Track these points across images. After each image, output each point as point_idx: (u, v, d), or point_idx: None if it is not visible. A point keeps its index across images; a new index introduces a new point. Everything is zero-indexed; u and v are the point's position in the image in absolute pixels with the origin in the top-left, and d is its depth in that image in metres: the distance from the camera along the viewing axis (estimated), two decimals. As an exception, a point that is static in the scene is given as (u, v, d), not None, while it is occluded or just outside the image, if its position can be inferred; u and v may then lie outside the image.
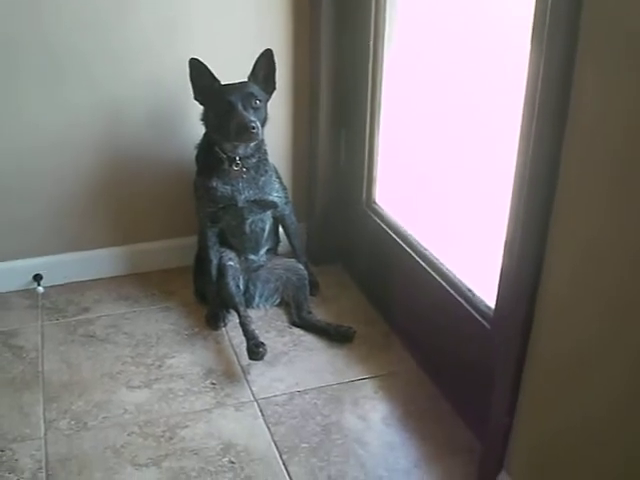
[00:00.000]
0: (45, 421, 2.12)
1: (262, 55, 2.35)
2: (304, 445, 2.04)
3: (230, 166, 2.41)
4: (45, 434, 2.07)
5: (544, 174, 1.51)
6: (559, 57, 1.41)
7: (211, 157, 2.43)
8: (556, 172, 1.48)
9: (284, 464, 1.98)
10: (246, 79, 2.36)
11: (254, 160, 2.43)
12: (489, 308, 1.96)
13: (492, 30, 1.98)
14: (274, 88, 2.41)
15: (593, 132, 1.39)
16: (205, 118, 2.42)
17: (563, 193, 1.49)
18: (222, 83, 2.34)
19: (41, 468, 1.95)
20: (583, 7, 1.34)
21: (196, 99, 2.37)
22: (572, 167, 1.45)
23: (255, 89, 2.34)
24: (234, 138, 2.31)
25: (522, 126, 1.63)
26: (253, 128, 2.25)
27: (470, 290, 2.08)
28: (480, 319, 1.99)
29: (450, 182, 2.28)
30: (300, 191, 2.89)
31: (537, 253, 1.57)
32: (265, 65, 2.37)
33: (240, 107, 2.28)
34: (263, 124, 2.35)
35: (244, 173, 2.42)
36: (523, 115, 1.62)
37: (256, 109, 2.32)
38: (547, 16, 1.44)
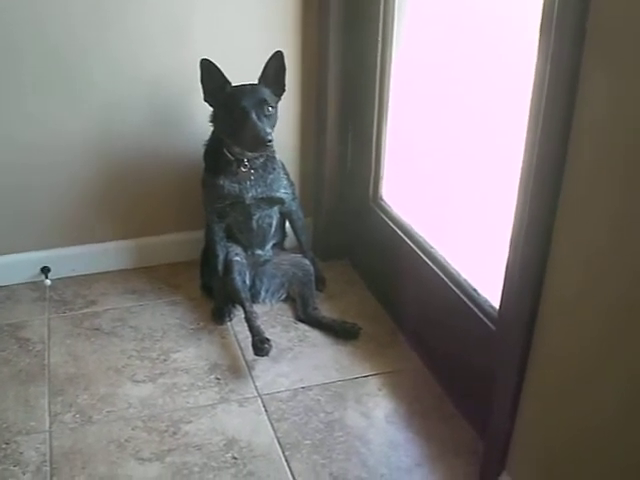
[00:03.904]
0: (50, 414, 2.13)
1: (272, 57, 2.32)
2: (307, 442, 2.04)
3: (238, 167, 2.40)
4: (50, 427, 2.09)
5: (550, 173, 1.50)
6: (566, 58, 1.40)
7: (219, 157, 2.42)
8: (561, 171, 1.48)
9: (286, 461, 1.98)
10: (255, 80, 2.33)
11: (262, 159, 2.42)
12: (493, 308, 1.96)
13: (500, 30, 1.97)
14: (284, 90, 2.39)
15: (598, 130, 1.38)
16: (215, 120, 2.40)
17: (568, 192, 1.48)
18: (233, 85, 2.32)
19: (45, 461, 1.96)
20: (590, 9, 1.33)
21: (206, 101, 2.34)
22: (578, 166, 1.45)
23: (267, 94, 2.31)
24: (248, 149, 2.31)
25: (529, 124, 1.62)
26: (269, 141, 2.23)
27: (475, 289, 2.08)
28: (484, 319, 1.98)
29: (457, 180, 2.27)
30: (307, 187, 2.89)
31: (542, 252, 1.57)
32: (275, 67, 2.33)
33: (254, 116, 2.25)
34: (273, 127, 2.32)
35: (252, 174, 2.42)
36: (530, 113, 1.61)
37: (269, 116, 2.29)
38: (554, 16, 1.43)
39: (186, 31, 2.53)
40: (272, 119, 2.32)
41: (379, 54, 2.45)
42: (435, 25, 2.29)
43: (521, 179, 1.69)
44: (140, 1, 2.44)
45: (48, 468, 1.95)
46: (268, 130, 2.25)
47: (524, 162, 1.66)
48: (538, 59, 1.54)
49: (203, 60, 2.27)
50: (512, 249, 1.77)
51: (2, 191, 2.60)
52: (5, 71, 2.42)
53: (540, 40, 1.53)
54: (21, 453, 2.00)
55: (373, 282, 2.75)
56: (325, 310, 2.59)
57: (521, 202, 1.70)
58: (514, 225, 1.75)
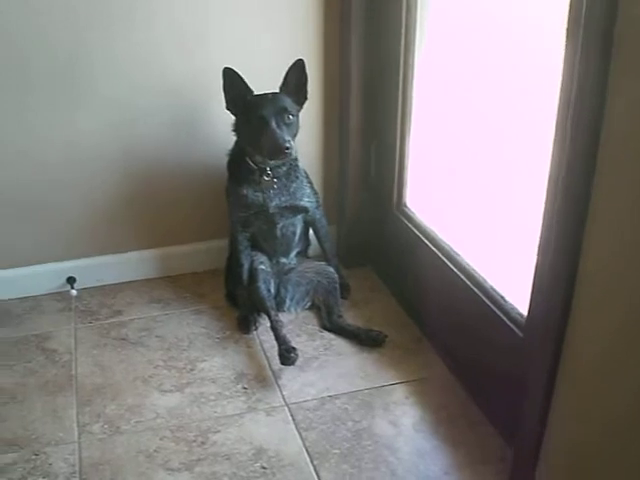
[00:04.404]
0: (79, 425, 2.14)
1: (293, 66, 2.32)
2: (335, 451, 2.04)
3: (261, 176, 2.40)
4: (79, 438, 2.09)
5: (579, 178, 1.48)
6: (594, 61, 1.39)
7: (242, 166, 2.42)
8: (592, 175, 1.46)
9: (315, 470, 1.98)
10: (277, 89, 2.34)
11: (285, 168, 2.43)
12: (521, 315, 1.95)
13: (525, 35, 1.96)
14: (306, 98, 2.39)
15: (628, 134, 1.37)
16: (237, 129, 2.41)
17: (598, 198, 1.46)
18: (254, 94, 2.32)
19: (75, 472, 1.97)
20: (618, 16, 1.33)
21: (228, 109, 2.35)
22: (608, 169, 1.43)
23: (288, 102, 2.31)
24: (267, 156, 2.31)
25: (556, 129, 1.61)
26: (287, 149, 2.23)
27: (502, 296, 2.06)
28: (512, 326, 1.97)
29: (482, 185, 2.26)
30: (331, 194, 2.89)
31: (572, 258, 1.55)
32: (297, 76, 2.34)
33: (274, 124, 2.25)
34: (295, 136, 2.33)
35: (275, 183, 2.42)
36: (557, 118, 1.60)
37: (289, 124, 2.29)
38: (581, 21, 1.42)
39: (208, 40, 2.53)
40: (292, 127, 2.32)
41: (402, 60, 2.44)
42: (458, 30, 2.29)
43: (549, 183, 1.68)
44: (162, 12, 2.45)
45: (77, 479, 1.95)
46: (287, 138, 2.25)
47: (552, 165, 1.64)
48: (565, 63, 1.53)
49: (226, 69, 2.28)
50: (541, 255, 1.76)
51: (28, 203, 2.62)
52: (17, 86, 2.44)
53: (566, 45, 1.52)
54: (50, 464, 2.00)
55: (397, 289, 2.74)
56: (350, 318, 2.58)
57: (550, 207, 1.68)
58: (543, 230, 1.74)
